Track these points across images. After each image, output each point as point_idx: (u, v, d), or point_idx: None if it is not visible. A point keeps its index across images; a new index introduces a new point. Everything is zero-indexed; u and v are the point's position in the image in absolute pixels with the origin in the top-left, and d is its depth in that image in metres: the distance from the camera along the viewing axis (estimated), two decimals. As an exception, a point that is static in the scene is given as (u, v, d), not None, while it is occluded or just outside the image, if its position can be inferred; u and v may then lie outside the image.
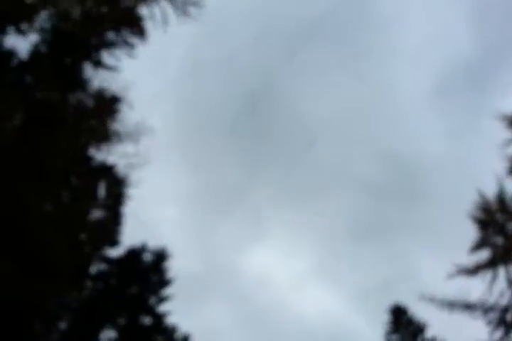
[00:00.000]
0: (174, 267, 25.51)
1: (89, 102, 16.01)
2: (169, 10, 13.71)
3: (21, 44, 15.61)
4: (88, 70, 16.23)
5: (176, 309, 24.89)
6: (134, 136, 17.59)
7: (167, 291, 24.77)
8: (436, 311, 18.26)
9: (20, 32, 15.16)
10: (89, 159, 17.20)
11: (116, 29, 15.05)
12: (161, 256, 24.97)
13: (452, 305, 17.83)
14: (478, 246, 18.22)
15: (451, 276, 18.26)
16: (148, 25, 15.55)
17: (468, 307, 17.45)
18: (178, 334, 25.13)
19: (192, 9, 13.30)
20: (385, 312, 28.12)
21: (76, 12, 13.84)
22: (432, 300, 18.16)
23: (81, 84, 15.76)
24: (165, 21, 13.56)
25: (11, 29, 15.28)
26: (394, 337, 26.79)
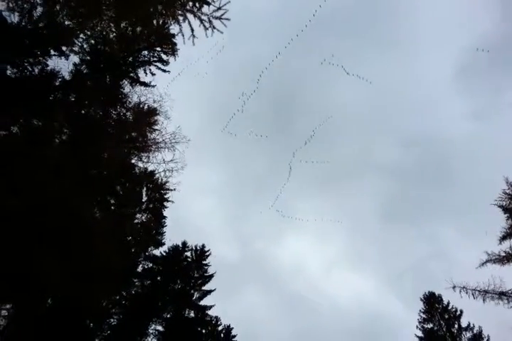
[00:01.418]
0: (213, 262, 26.41)
1: (129, 116, 16.72)
2: (196, 25, 13.98)
3: (64, 65, 16.37)
4: (126, 86, 16.97)
5: (216, 298, 25.70)
6: (170, 143, 18.29)
7: (208, 286, 25.61)
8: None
9: (62, 54, 15.89)
10: (131, 167, 17.90)
11: (150, 48, 15.63)
12: (201, 254, 25.80)
13: (486, 294, 17.50)
14: (508, 235, 17.84)
15: (482, 264, 17.93)
16: (178, 40, 16.10)
17: (502, 296, 17.14)
18: (220, 326, 25.94)
19: (217, 22, 13.60)
20: (420, 300, 27.74)
21: (112, 33, 14.40)
22: (465, 289, 17.87)
23: (120, 99, 16.45)
24: (193, 35, 13.93)
25: (53, 51, 16.05)
26: (429, 325, 26.44)
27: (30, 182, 14.40)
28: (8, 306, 16.89)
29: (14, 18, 13.82)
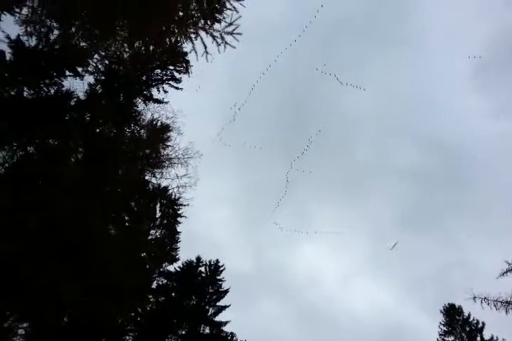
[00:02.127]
0: (227, 274, 26.14)
1: (143, 133, 16.97)
2: (209, 41, 14.18)
3: (79, 85, 16.71)
4: (140, 105, 17.26)
5: (230, 310, 25.24)
6: (183, 159, 18.45)
7: (223, 301, 25.34)
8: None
9: (78, 74, 16.25)
10: (145, 184, 18.03)
11: (163, 66, 15.95)
12: (215, 269, 25.64)
13: (509, 305, 17.01)
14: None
15: (502, 274, 17.45)
16: (191, 58, 16.38)
17: (525, 307, 16.64)
18: (236, 342, 25.50)
19: (229, 37, 13.74)
20: (440, 312, 26.92)
21: (126, 53, 14.68)
22: (487, 300, 17.38)
23: (134, 117, 16.71)
24: (206, 52, 14.08)
25: (69, 72, 16.41)
26: (450, 338, 25.66)
27: (47, 200, 14.56)
28: (25, 325, 16.86)
29: (32, 41, 14.20)
